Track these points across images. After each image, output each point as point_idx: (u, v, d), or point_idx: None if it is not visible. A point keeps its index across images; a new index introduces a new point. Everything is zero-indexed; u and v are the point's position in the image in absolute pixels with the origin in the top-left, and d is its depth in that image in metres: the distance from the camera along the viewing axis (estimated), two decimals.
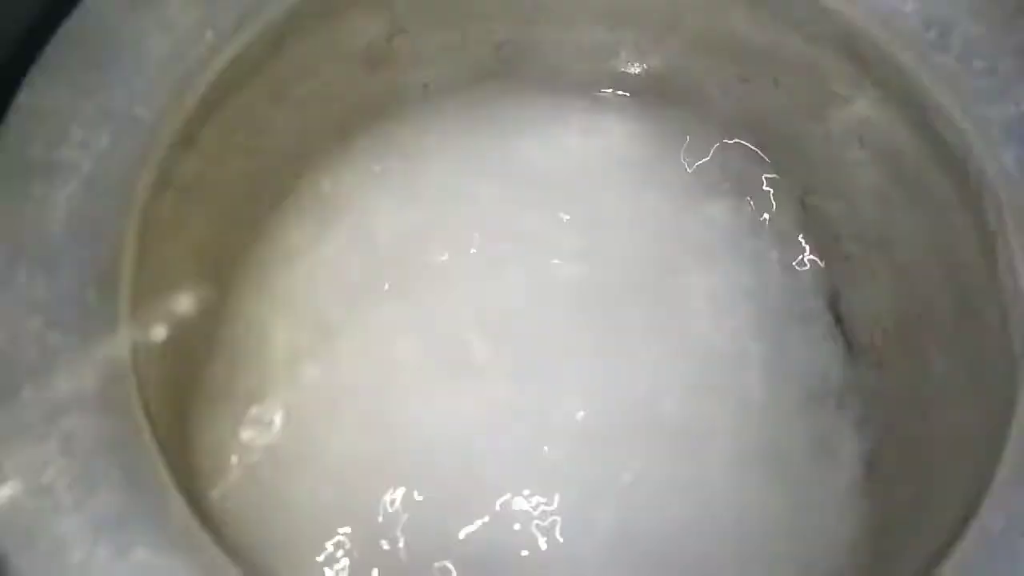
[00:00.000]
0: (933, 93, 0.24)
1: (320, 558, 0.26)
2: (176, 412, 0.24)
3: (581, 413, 0.30)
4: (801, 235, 0.35)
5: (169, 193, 0.27)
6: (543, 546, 0.28)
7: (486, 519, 0.28)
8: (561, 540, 0.28)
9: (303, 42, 0.30)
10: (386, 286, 0.33)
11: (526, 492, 0.29)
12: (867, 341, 0.33)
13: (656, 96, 0.36)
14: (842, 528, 0.30)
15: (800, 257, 0.34)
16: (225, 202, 0.32)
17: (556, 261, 0.34)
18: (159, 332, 0.23)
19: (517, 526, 0.28)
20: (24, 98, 0.21)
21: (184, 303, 0.28)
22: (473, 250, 0.33)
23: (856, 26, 0.26)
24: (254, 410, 0.28)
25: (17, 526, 0.16)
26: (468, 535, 0.28)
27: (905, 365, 0.32)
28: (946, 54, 0.24)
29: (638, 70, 0.36)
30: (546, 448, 0.29)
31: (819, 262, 0.34)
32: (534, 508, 0.28)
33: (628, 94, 0.36)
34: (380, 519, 0.27)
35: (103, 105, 0.22)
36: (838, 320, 0.34)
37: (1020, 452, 0.20)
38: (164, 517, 0.17)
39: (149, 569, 0.17)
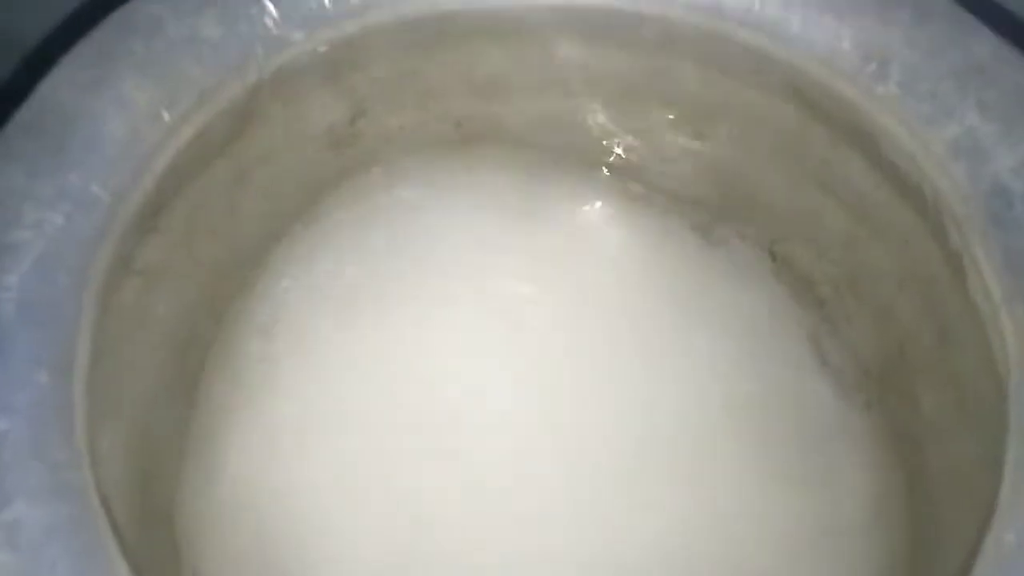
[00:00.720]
0: (880, 123, 0.25)
1: None
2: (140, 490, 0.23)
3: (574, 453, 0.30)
4: (776, 284, 0.35)
5: (133, 279, 0.26)
6: None
7: None
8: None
9: (265, 125, 0.30)
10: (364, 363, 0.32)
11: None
12: (854, 383, 0.33)
13: (616, 160, 0.37)
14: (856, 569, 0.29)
15: (777, 304, 0.35)
16: (193, 288, 0.31)
17: (536, 324, 0.34)
18: (120, 418, 0.22)
19: None
20: None
21: (149, 392, 0.27)
22: (448, 322, 0.33)
23: (799, 69, 0.27)
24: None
25: None
26: None
27: (894, 403, 0.31)
28: (887, 84, 0.24)
29: (595, 138, 0.36)
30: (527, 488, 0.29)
31: (797, 308, 0.34)
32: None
33: (586, 160, 0.37)
34: None
35: (59, 185, 0.21)
36: (824, 364, 0.34)
37: (1018, 470, 0.19)
38: None
39: None
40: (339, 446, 0.31)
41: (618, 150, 0.36)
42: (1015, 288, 0.21)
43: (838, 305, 0.34)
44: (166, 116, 0.24)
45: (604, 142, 0.36)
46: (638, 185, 0.37)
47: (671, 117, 0.34)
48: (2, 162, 0.21)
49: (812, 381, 0.33)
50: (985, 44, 0.23)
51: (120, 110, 0.23)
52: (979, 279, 0.22)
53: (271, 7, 0.26)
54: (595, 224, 0.37)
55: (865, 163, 0.28)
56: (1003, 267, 0.21)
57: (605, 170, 0.37)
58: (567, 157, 0.37)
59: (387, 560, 0.28)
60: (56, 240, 0.21)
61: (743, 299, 0.35)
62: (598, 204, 0.37)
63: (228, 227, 0.32)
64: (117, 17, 0.24)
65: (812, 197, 0.32)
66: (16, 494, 0.17)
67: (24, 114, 0.22)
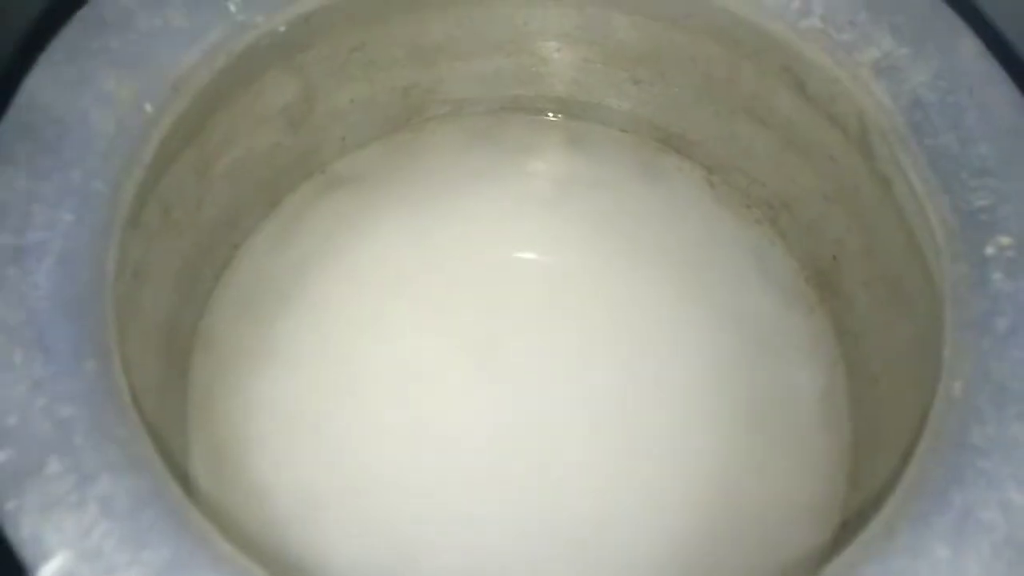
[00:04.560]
0: (806, 54, 0.28)
1: None
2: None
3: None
4: (715, 208, 0.38)
5: (126, 275, 0.27)
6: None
7: None
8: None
9: (227, 110, 0.30)
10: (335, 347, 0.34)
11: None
12: (796, 292, 0.36)
13: (559, 112, 0.39)
14: (809, 461, 0.33)
15: (720, 227, 0.38)
16: (169, 282, 0.32)
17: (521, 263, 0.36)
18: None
19: None
20: None
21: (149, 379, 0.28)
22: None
23: (729, 11, 0.29)
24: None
25: None
26: None
27: (833, 306, 0.35)
28: (811, 18, 0.27)
29: (538, 92, 0.38)
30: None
31: (739, 229, 0.38)
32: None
33: (532, 116, 0.39)
34: None
35: (61, 184, 0.22)
36: (767, 277, 0.37)
37: (957, 331, 0.23)
38: (216, 559, 0.18)
39: None
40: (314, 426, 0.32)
41: (558, 96, 0.38)
42: (937, 183, 0.24)
43: (775, 223, 0.37)
44: (148, 108, 0.24)
45: (544, 94, 0.38)
46: (582, 126, 0.39)
47: (605, 65, 0.36)
48: (1, 166, 0.21)
49: (758, 294, 0.36)
50: None
51: (103, 105, 0.23)
52: (904, 182, 0.26)
53: None
54: (546, 170, 0.39)
55: (791, 92, 0.31)
56: (927, 166, 0.25)
57: (551, 115, 0.39)
58: (510, 112, 0.39)
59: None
60: (70, 235, 0.21)
61: (689, 226, 0.37)
62: (547, 151, 0.39)
63: (196, 219, 0.32)
64: (85, 13, 0.24)
65: (743, 127, 0.35)
66: (99, 471, 0.18)
67: (13, 116, 0.22)
